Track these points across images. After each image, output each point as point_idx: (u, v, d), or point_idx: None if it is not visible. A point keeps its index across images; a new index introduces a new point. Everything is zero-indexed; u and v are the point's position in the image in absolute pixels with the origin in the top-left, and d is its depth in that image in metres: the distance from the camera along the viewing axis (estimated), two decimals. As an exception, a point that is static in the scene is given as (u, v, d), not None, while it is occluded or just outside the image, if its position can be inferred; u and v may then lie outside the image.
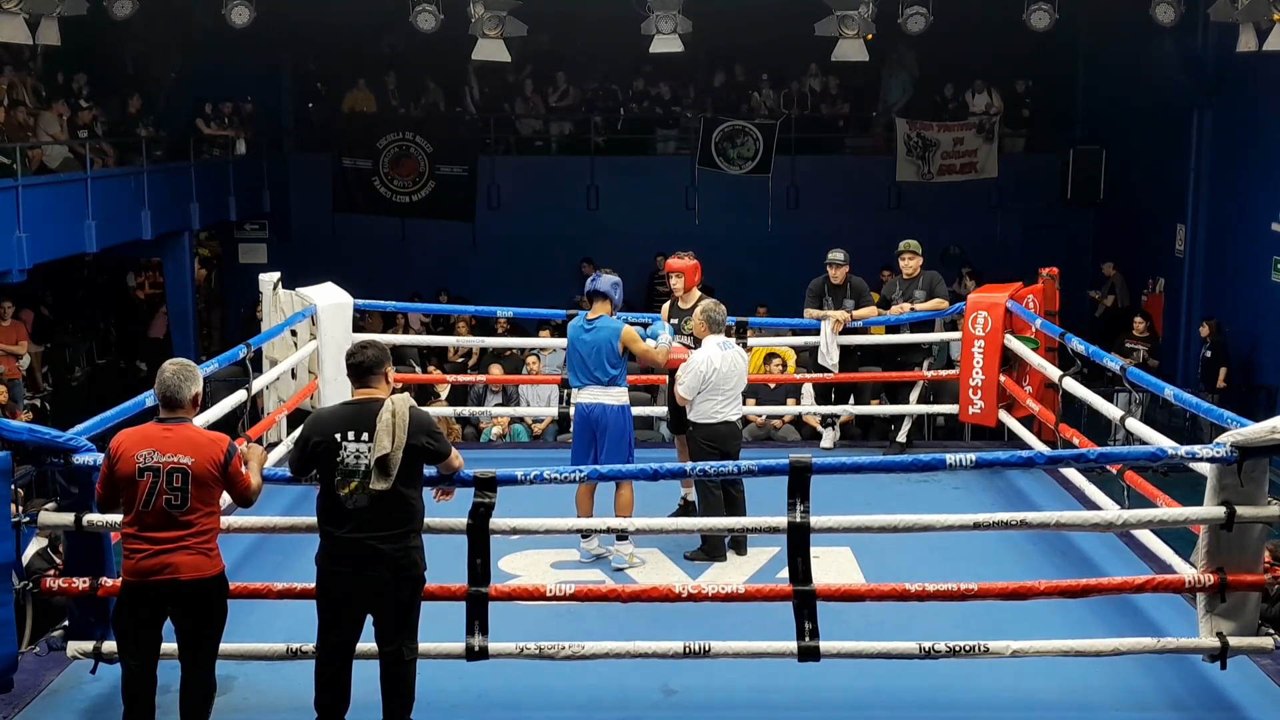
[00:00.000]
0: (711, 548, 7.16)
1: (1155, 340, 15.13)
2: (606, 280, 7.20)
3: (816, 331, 9.60)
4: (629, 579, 6.73)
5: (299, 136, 20.35)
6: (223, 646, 5.29)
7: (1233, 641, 5.36)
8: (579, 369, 7.13)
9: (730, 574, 6.90)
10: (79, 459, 5.25)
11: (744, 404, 10.59)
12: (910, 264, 9.75)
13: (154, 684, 4.92)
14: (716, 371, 7.07)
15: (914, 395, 9.75)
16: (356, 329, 9.64)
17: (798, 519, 5.27)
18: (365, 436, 4.83)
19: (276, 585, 5.51)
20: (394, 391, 5.08)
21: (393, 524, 4.88)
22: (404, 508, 4.92)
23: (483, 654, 5.34)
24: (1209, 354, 14.26)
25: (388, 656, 5.00)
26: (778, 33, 16.92)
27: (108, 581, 5.31)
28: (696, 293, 7.82)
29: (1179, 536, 6.35)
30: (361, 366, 5.00)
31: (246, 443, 5.51)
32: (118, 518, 5.03)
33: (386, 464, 4.81)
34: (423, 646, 5.37)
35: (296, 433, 5.11)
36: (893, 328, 9.75)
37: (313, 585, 5.07)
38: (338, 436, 4.84)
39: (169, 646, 4.98)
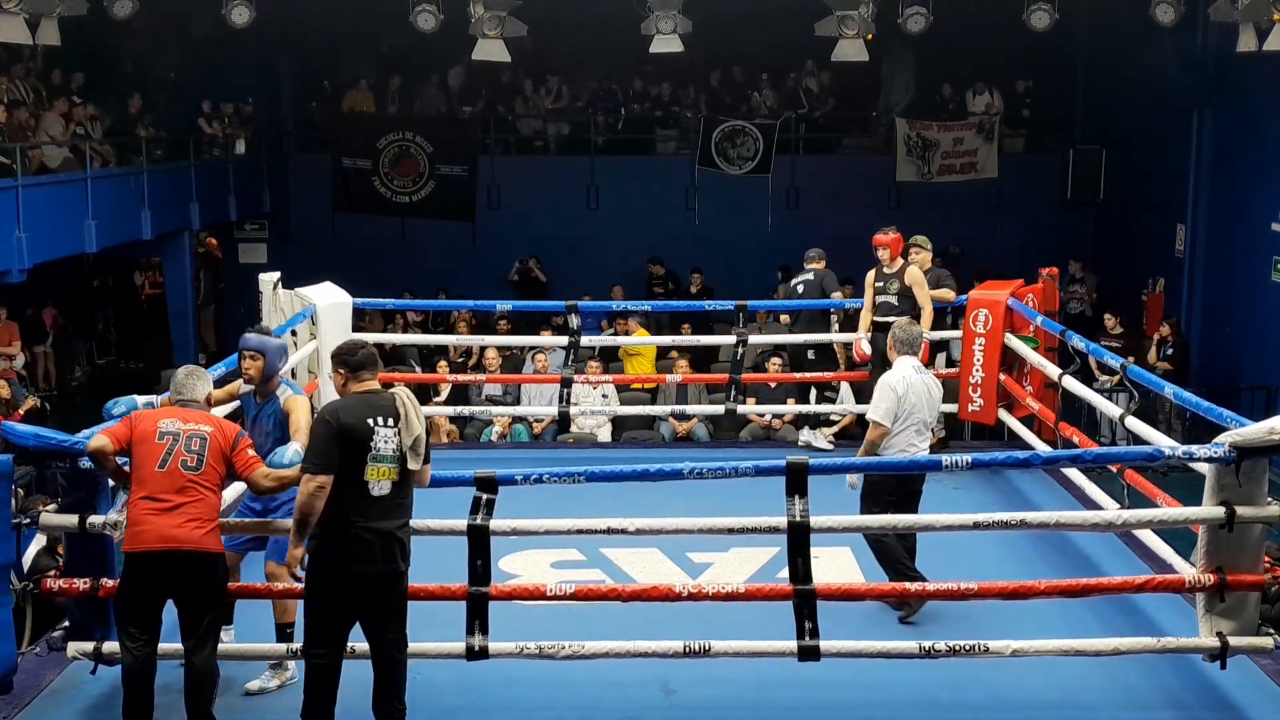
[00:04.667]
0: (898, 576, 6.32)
1: (1128, 338, 15.12)
2: (260, 340, 5.80)
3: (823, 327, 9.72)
4: (629, 578, 6.73)
5: (299, 136, 20.34)
6: (224, 647, 5.32)
7: (1233, 641, 5.36)
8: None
9: (730, 574, 6.90)
10: (85, 463, 5.24)
11: (745, 403, 10.70)
12: (918, 259, 9.77)
13: (154, 672, 4.95)
14: (912, 393, 6.37)
15: None
16: (356, 329, 9.65)
17: (797, 518, 5.28)
18: (391, 422, 4.93)
19: (277, 585, 5.51)
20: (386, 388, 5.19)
21: (404, 511, 5.00)
22: (411, 495, 5.06)
23: (483, 654, 5.35)
24: (1170, 352, 14.31)
25: (390, 647, 5.03)
26: (778, 33, 16.93)
27: (108, 582, 5.31)
28: (900, 261, 9.10)
29: (1179, 536, 6.36)
30: (369, 360, 5.08)
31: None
32: (119, 517, 5.04)
33: (419, 445, 4.96)
34: (423, 646, 5.40)
35: (310, 432, 5.05)
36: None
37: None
38: (370, 423, 4.89)
39: (169, 647, 4.99)
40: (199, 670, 4.97)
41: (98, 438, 5.05)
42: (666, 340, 12.76)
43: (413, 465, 4.95)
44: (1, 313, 14.43)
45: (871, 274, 9.22)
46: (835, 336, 13.00)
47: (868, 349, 9.17)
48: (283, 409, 5.66)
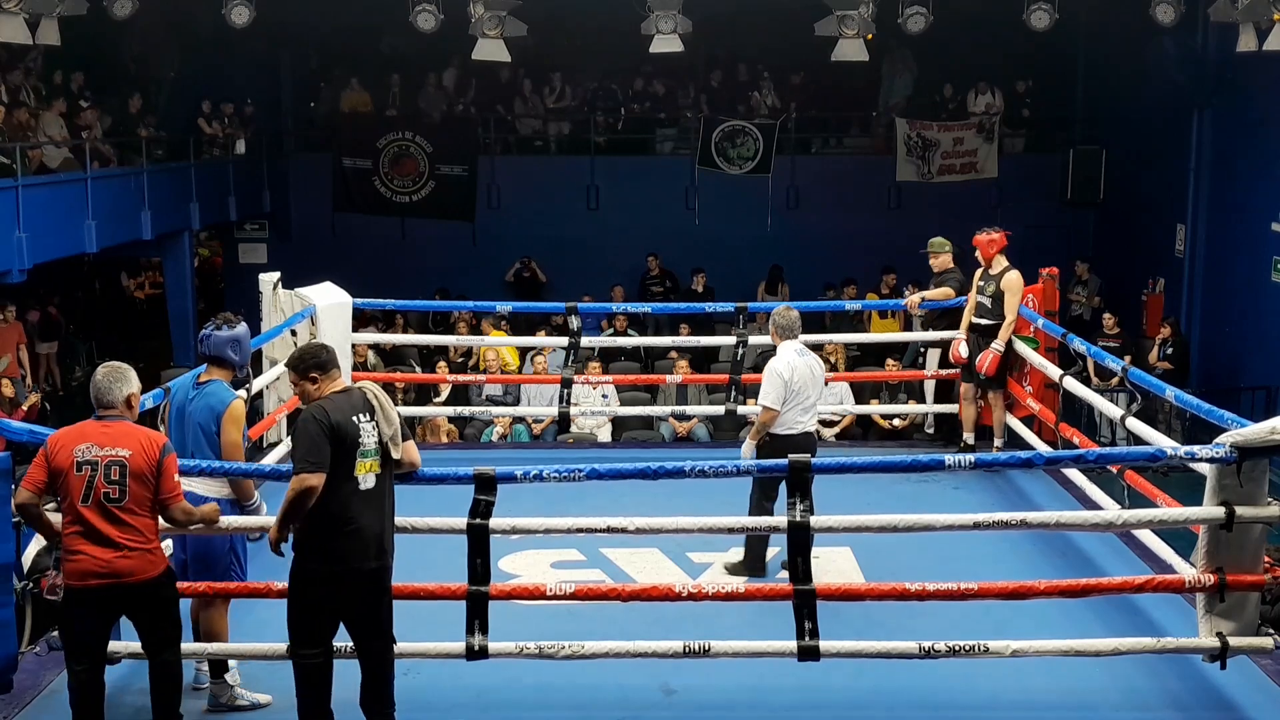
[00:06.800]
0: (753, 563, 6.95)
1: (1125, 338, 15.13)
2: (221, 338, 5.58)
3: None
4: (629, 578, 6.73)
5: (299, 136, 20.34)
6: (223, 647, 5.32)
7: (1233, 641, 5.36)
8: (178, 448, 5.19)
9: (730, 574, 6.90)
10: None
11: (745, 403, 10.71)
12: (936, 262, 9.85)
13: (103, 689, 4.93)
14: (796, 376, 6.79)
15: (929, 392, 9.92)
16: (356, 328, 9.64)
17: (798, 518, 5.28)
18: (369, 416, 4.93)
19: (276, 585, 5.50)
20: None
21: (388, 503, 5.02)
22: (393, 487, 5.08)
23: (483, 654, 5.35)
24: (1171, 352, 14.33)
25: (380, 649, 5.01)
26: (778, 33, 16.92)
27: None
28: (1002, 260, 8.86)
29: (1179, 536, 6.36)
30: (331, 360, 5.03)
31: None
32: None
33: (398, 434, 5.01)
34: (422, 646, 5.40)
35: (297, 433, 4.94)
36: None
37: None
38: (355, 419, 4.89)
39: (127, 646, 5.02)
40: (163, 673, 4.96)
41: (19, 491, 4.88)
42: (661, 341, 12.77)
43: (395, 455, 4.99)
44: (11, 311, 14.42)
45: (978, 273, 9.06)
46: (835, 337, 13.00)
47: (964, 352, 8.98)
48: (215, 409, 5.40)
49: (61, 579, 4.93)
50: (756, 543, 6.94)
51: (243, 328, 5.68)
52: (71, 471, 4.77)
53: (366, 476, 4.89)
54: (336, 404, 4.92)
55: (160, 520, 4.93)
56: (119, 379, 4.96)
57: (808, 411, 6.87)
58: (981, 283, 8.96)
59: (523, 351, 13.61)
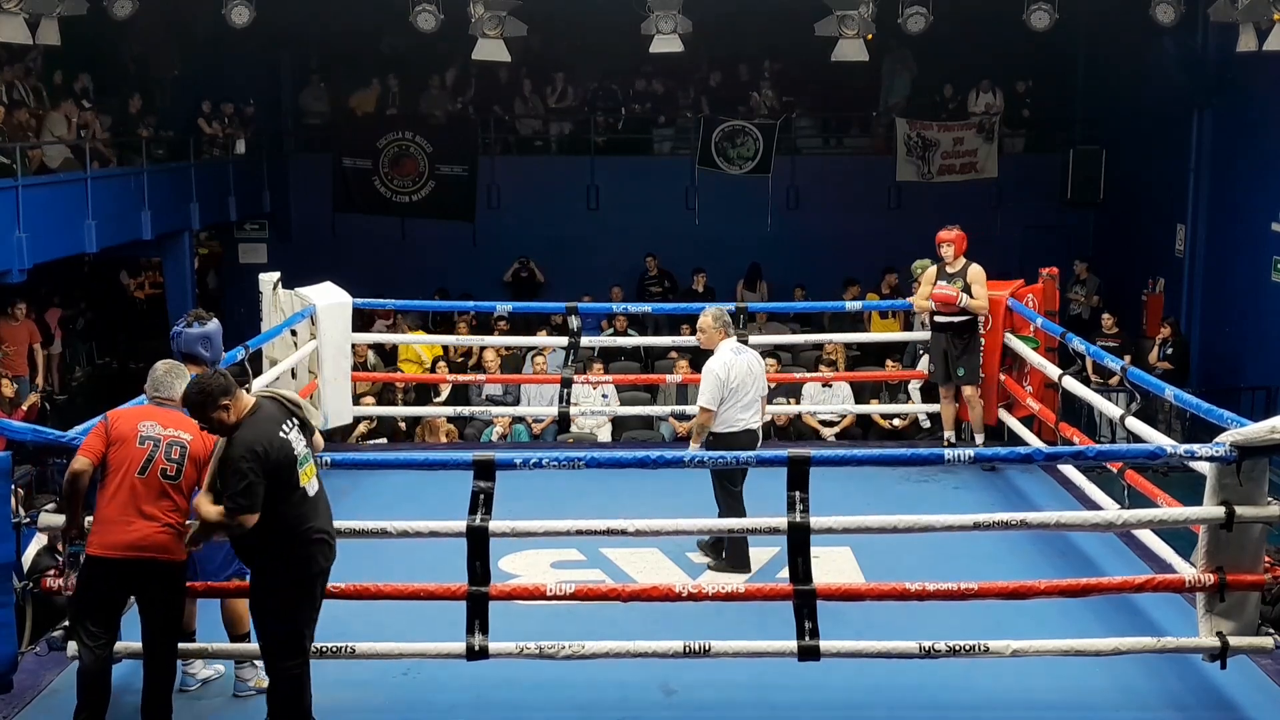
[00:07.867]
0: (736, 559, 6.98)
1: (1124, 338, 15.13)
2: (192, 335, 5.71)
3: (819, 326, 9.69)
4: (629, 578, 6.73)
5: (299, 136, 20.34)
6: (225, 646, 5.33)
7: (1233, 641, 5.36)
8: None
9: (731, 573, 6.90)
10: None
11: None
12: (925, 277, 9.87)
13: (111, 671, 4.99)
14: (733, 374, 6.90)
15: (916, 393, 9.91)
16: (356, 328, 9.64)
17: (798, 518, 5.28)
18: (293, 421, 4.91)
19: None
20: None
21: (327, 501, 5.03)
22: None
23: (483, 654, 5.35)
24: (1170, 352, 14.33)
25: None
26: (778, 33, 16.92)
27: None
28: (963, 259, 8.82)
29: (1179, 536, 6.36)
30: (231, 380, 4.90)
31: None
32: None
33: (316, 432, 5.08)
34: (422, 646, 5.40)
35: (229, 469, 4.74)
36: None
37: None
38: (281, 434, 4.82)
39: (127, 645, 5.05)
40: (165, 667, 5.01)
41: (78, 459, 4.89)
42: (661, 341, 12.76)
43: (319, 446, 5.07)
44: (21, 309, 14.40)
45: (933, 270, 9.04)
46: (835, 337, 13.02)
47: (951, 291, 8.82)
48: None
49: (75, 572, 4.98)
50: (737, 537, 6.94)
51: (214, 324, 5.75)
52: (133, 443, 4.89)
53: (311, 483, 4.89)
54: (263, 431, 4.78)
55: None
56: (179, 376, 5.18)
57: (748, 409, 6.93)
58: (942, 281, 8.90)
59: (523, 351, 13.61)
